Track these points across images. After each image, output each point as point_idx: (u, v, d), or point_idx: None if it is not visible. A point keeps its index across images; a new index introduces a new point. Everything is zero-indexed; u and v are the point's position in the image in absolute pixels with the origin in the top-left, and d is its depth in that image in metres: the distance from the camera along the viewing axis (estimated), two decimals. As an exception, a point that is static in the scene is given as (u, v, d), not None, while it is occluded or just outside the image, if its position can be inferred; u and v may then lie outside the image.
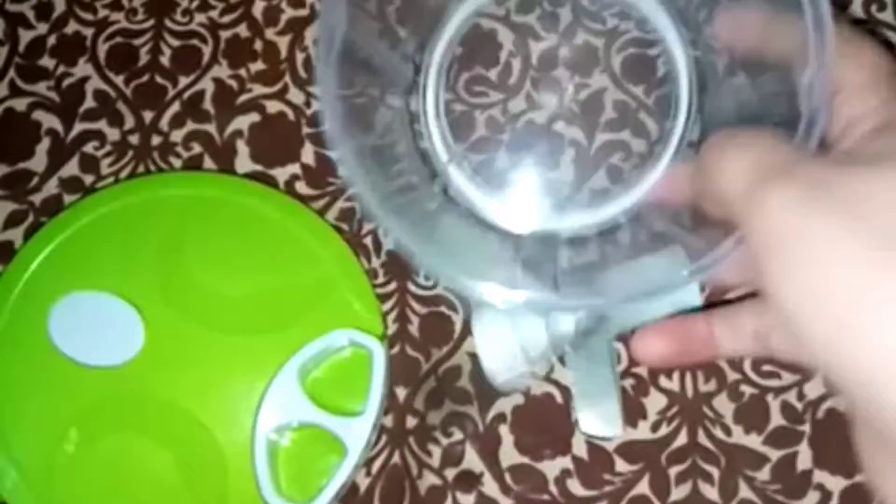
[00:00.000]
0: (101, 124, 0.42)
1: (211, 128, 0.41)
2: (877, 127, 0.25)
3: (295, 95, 0.42)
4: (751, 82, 0.34)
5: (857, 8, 0.42)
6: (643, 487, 0.36)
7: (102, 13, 0.44)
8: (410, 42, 0.39)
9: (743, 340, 0.30)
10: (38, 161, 0.41)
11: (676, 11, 0.39)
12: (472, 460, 0.37)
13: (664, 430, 0.36)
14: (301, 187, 0.40)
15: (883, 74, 0.26)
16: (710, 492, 0.36)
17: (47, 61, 0.43)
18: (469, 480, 0.36)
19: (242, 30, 0.43)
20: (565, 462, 0.36)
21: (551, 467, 0.36)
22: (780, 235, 0.21)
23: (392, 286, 0.38)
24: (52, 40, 0.43)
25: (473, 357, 0.38)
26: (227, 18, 0.43)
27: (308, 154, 0.41)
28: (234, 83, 0.42)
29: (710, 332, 0.31)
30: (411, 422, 0.37)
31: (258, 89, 0.42)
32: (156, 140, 0.41)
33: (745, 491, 0.36)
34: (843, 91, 0.26)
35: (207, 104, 0.42)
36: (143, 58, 0.43)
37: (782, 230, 0.21)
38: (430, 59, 0.39)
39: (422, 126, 0.38)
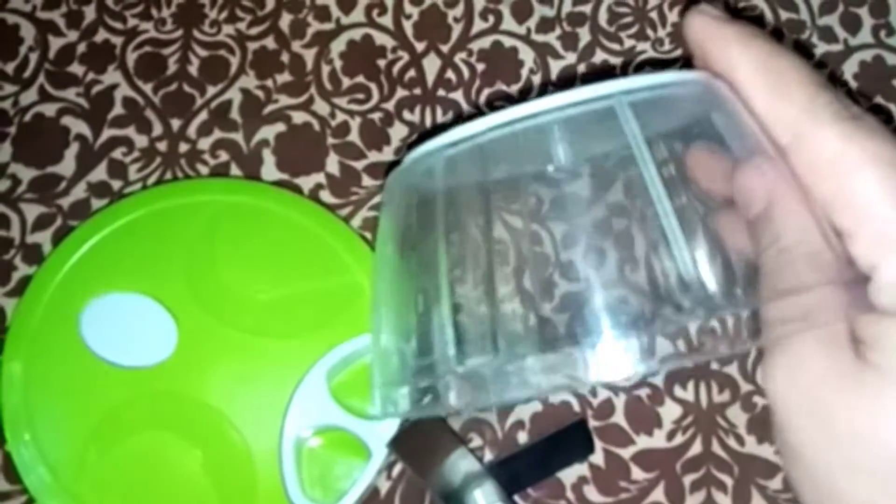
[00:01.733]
0: (130, 131, 0.43)
1: (238, 136, 0.42)
2: None
3: (320, 107, 0.43)
4: None
5: (866, 33, 0.43)
6: (658, 495, 0.37)
7: (132, 22, 0.45)
8: None
9: None
10: (67, 166, 0.42)
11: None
12: (492, 466, 0.37)
13: (679, 439, 0.37)
14: (325, 196, 0.41)
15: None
16: (724, 500, 0.36)
17: (77, 68, 0.44)
18: (488, 485, 0.37)
19: (269, 42, 0.44)
20: (582, 469, 0.37)
21: (568, 474, 0.37)
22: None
23: (414, 294, 0.39)
24: (81, 48, 0.44)
25: (493, 365, 0.39)
26: (254, 30, 0.44)
27: (332, 164, 0.42)
28: (260, 93, 0.43)
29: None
30: (431, 427, 0.38)
31: (284, 100, 0.43)
32: (183, 147, 0.42)
33: (757, 499, 0.36)
34: None
35: (235, 113, 0.43)
36: (172, 67, 0.44)
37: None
38: None
39: None
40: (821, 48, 0.43)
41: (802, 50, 0.43)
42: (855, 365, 0.21)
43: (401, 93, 0.43)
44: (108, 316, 0.37)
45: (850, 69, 0.43)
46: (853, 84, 0.43)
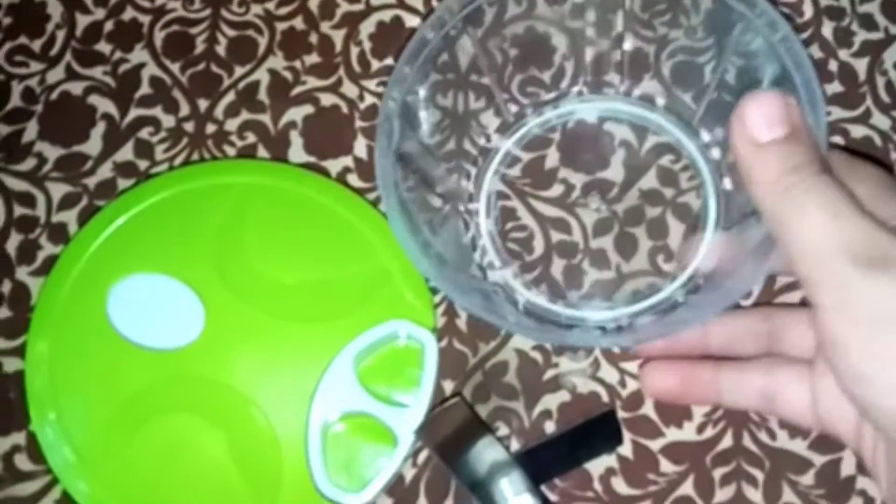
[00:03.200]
0: (157, 111, 0.42)
1: (265, 118, 0.42)
2: None
3: (349, 89, 0.42)
4: None
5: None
6: (687, 488, 0.36)
7: (160, 1, 0.44)
8: (456, 160, 0.40)
9: (747, 396, 0.33)
10: (93, 145, 0.42)
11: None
12: (518, 455, 0.37)
13: (709, 432, 0.37)
14: (353, 180, 0.41)
15: (886, 182, 0.27)
16: (754, 495, 0.36)
17: (104, 46, 0.44)
18: (515, 475, 0.37)
19: (298, 22, 0.44)
20: (610, 460, 0.37)
21: (596, 465, 0.37)
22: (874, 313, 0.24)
23: (442, 280, 0.39)
24: (109, 26, 0.44)
25: (520, 353, 0.38)
26: (283, 10, 0.44)
27: (360, 147, 0.41)
28: (288, 75, 0.43)
29: (715, 379, 0.33)
30: (458, 415, 0.37)
31: (312, 82, 0.43)
32: (210, 128, 0.42)
33: (788, 495, 0.36)
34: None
35: (262, 95, 0.42)
36: (200, 46, 0.43)
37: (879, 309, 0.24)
38: (482, 181, 0.40)
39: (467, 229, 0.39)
40: (861, 36, 0.42)
41: (842, 38, 0.42)
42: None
43: (433, 76, 0.42)
44: (134, 297, 0.36)
45: (890, 58, 0.42)
46: (893, 74, 0.42)
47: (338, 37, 0.43)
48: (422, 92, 0.37)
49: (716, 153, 0.40)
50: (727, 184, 0.40)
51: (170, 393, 0.36)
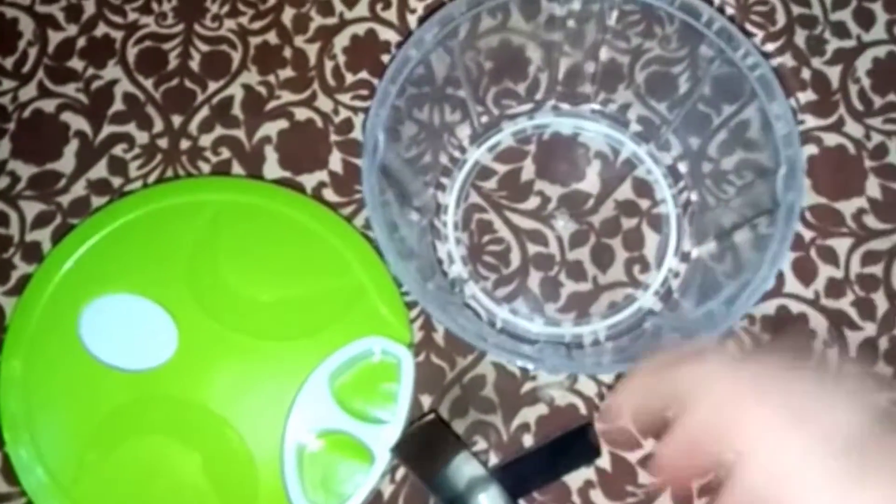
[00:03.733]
0: (130, 127, 0.42)
1: (240, 133, 0.42)
2: None
3: (323, 103, 0.42)
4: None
5: (880, 28, 0.42)
6: (665, 500, 0.36)
7: (132, 16, 0.44)
8: (432, 173, 0.41)
9: None
10: (67, 162, 0.42)
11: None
12: (496, 469, 0.37)
13: (687, 443, 0.37)
14: (328, 194, 0.41)
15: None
16: (732, 505, 0.36)
17: (76, 63, 0.43)
18: (493, 489, 0.37)
19: (272, 37, 0.43)
20: (588, 473, 0.37)
21: (574, 478, 0.37)
22: None
23: (418, 295, 0.39)
24: (81, 42, 0.44)
25: (498, 367, 0.38)
26: (256, 25, 0.44)
27: (336, 161, 0.41)
28: (262, 89, 0.42)
29: None
30: (436, 430, 0.37)
31: (287, 96, 0.42)
32: (185, 144, 0.42)
33: (766, 505, 0.36)
34: None
35: (236, 110, 0.42)
36: (173, 62, 0.43)
37: None
38: (450, 190, 0.41)
39: (442, 242, 0.40)
40: (833, 44, 0.42)
41: (815, 46, 0.42)
42: None
43: (409, 90, 0.42)
44: (107, 317, 0.36)
45: (863, 66, 0.42)
46: (866, 81, 0.42)
47: (312, 51, 0.43)
48: (399, 105, 0.37)
49: (682, 167, 0.40)
50: (694, 196, 0.40)
51: (143, 414, 0.35)
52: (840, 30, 0.43)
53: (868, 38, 0.43)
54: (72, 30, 0.44)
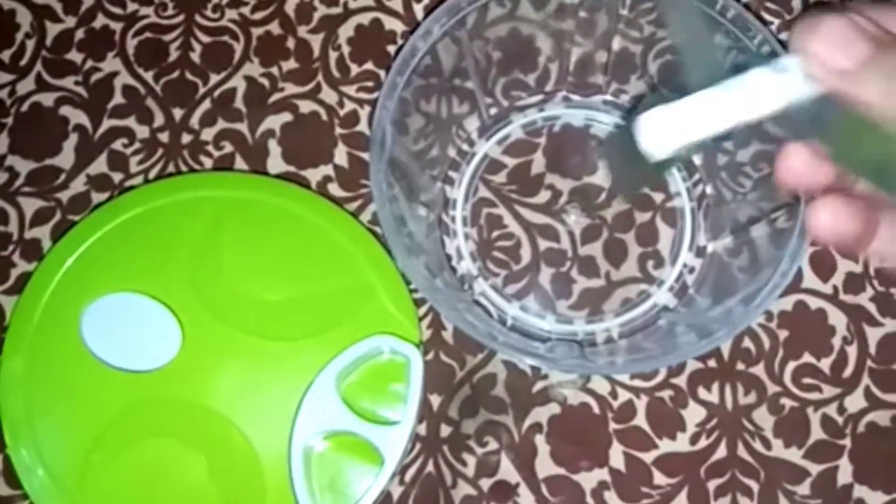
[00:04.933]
0: (130, 121, 0.41)
1: (242, 127, 0.41)
2: None
3: (328, 95, 0.41)
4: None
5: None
6: (682, 500, 0.35)
7: (132, 7, 0.43)
8: (440, 167, 0.40)
9: None
10: (66, 158, 0.41)
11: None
12: (508, 471, 0.36)
13: (703, 442, 0.36)
14: (334, 189, 0.40)
15: None
16: (750, 506, 0.35)
17: (75, 55, 0.42)
18: (505, 491, 0.36)
19: (274, 27, 0.42)
20: (602, 474, 0.36)
21: (588, 479, 0.36)
22: None
23: (427, 291, 0.38)
24: (80, 34, 0.43)
25: (509, 365, 0.37)
26: (258, 15, 0.43)
27: (341, 155, 0.40)
28: (265, 81, 0.41)
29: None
30: (445, 430, 0.36)
31: (290, 88, 0.41)
32: (186, 138, 0.41)
33: (784, 505, 0.35)
34: None
35: (239, 102, 0.41)
36: (173, 54, 0.42)
37: None
38: (459, 184, 0.40)
39: (451, 238, 0.39)
40: None
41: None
42: None
43: (416, 81, 0.41)
44: (108, 318, 0.35)
45: None
46: None
47: (315, 41, 0.42)
48: (406, 97, 0.36)
49: (697, 159, 0.39)
50: (709, 189, 0.39)
51: (147, 415, 0.35)
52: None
53: (886, 25, 0.41)
54: (70, 21, 0.43)
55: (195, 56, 0.42)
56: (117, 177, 0.40)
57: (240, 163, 0.40)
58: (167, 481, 0.34)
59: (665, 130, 0.24)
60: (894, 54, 0.22)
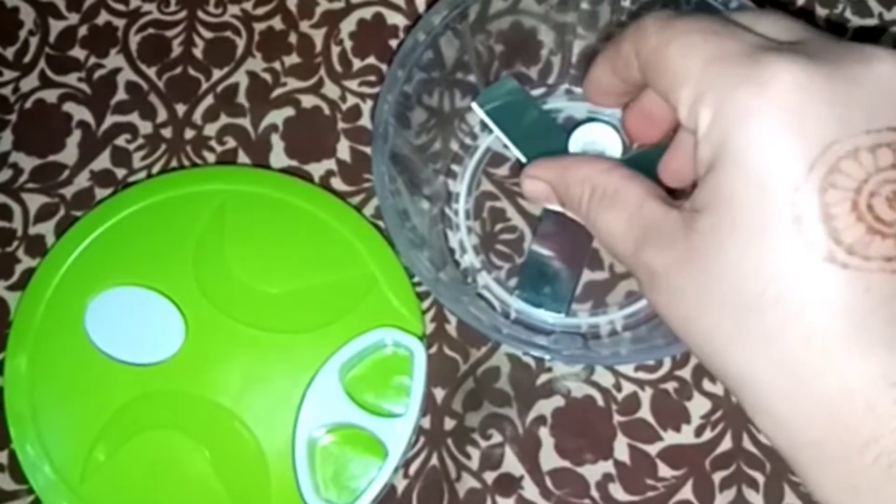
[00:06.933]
0: (133, 117, 0.41)
1: (245, 122, 0.41)
2: None
3: (330, 90, 0.41)
4: None
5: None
6: (687, 493, 0.35)
7: (134, 4, 0.43)
8: (442, 160, 0.40)
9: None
10: (69, 154, 0.41)
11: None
12: (512, 463, 0.36)
13: (708, 434, 0.36)
14: (337, 183, 0.40)
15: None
16: (756, 498, 0.35)
17: (78, 52, 0.42)
18: (509, 484, 0.36)
19: (277, 22, 0.42)
20: (607, 466, 0.36)
21: (593, 472, 0.36)
22: None
23: (430, 285, 0.38)
24: (83, 31, 0.43)
25: (512, 358, 0.37)
26: (261, 10, 0.43)
27: (344, 149, 0.40)
28: (268, 76, 0.42)
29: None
30: (449, 423, 0.36)
31: (293, 83, 0.41)
32: (189, 133, 0.41)
33: (790, 497, 0.35)
34: None
35: (241, 98, 0.41)
36: (176, 50, 0.42)
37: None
38: (461, 177, 0.39)
39: (454, 231, 0.39)
40: (854, 23, 0.41)
41: (835, 26, 0.41)
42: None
43: (418, 75, 0.41)
44: (113, 311, 0.35)
45: (885, 45, 0.41)
46: (889, 60, 0.40)
47: (318, 36, 0.42)
48: (408, 90, 0.36)
49: None
50: None
51: (151, 409, 0.35)
52: (861, 8, 0.41)
53: (890, 16, 0.41)
54: (73, 18, 0.43)
55: (198, 52, 0.42)
56: (121, 172, 0.40)
57: (243, 157, 0.40)
58: (171, 474, 0.34)
59: None
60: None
